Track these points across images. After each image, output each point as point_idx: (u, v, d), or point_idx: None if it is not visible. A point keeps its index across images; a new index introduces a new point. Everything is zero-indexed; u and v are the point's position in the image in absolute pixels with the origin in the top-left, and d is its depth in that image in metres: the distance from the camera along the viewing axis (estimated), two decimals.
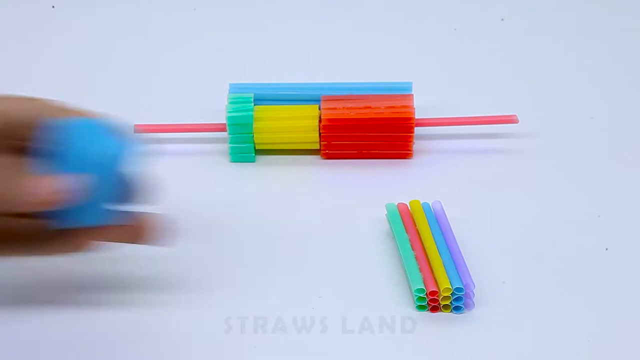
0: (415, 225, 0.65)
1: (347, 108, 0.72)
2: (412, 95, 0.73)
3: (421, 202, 0.67)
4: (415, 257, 0.63)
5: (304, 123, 0.73)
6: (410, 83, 0.74)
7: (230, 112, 0.73)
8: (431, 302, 0.60)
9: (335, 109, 0.73)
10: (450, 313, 0.60)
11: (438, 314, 0.60)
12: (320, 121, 0.73)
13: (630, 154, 0.75)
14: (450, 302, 0.60)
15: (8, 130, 0.55)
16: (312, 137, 0.73)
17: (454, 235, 0.64)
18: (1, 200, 0.53)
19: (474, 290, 0.60)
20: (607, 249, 0.66)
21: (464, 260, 0.62)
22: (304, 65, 0.84)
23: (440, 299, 0.60)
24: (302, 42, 0.87)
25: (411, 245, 0.64)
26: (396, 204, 0.67)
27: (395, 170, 0.73)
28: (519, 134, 0.76)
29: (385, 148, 0.74)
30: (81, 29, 0.89)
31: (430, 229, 0.64)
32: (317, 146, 0.73)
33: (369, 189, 0.71)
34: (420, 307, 0.60)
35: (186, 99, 0.81)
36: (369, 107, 0.72)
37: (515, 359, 0.59)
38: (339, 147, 0.73)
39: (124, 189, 0.56)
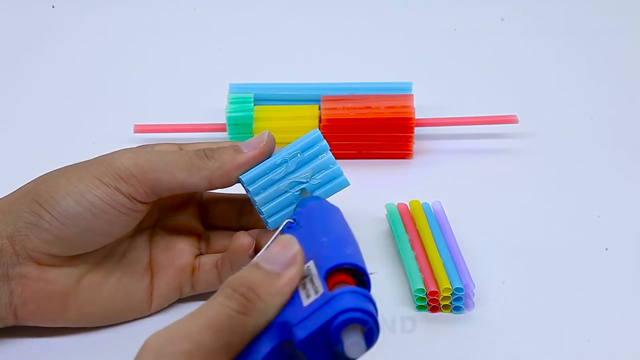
0: (415, 225, 0.65)
1: (347, 108, 0.72)
2: (412, 95, 0.73)
3: (421, 202, 0.67)
4: (415, 257, 0.63)
5: (304, 123, 0.73)
6: (410, 83, 0.74)
7: (230, 112, 0.73)
8: (431, 302, 0.60)
9: (335, 109, 0.73)
10: (450, 313, 0.60)
11: (438, 314, 0.60)
12: (320, 121, 0.73)
13: (630, 154, 0.75)
14: (450, 302, 0.60)
15: None
16: None
17: (454, 235, 0.64)
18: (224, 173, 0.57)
19: (474, 290, 0.60)
20: (607, 249, 0.66)
21: (463, 261, 0.62)
22: (304, 65, 0.84)
23: (440, 299, 0.60)
24: (302, 42, 0.87)
25: (411, 245, 0.64)
26: (396, 204, 0.67)
27: (395, 170, 0.73)
28: (519, 134, 0.76)
29: (385, 148, 0.74)
30: (81, 29, 0.89)
31: (430, 229, 0.64)
32: None
33: (369, 189, 0.71)
34: (420, 307, 0.60)
35: (186, 99, 0.81)
36: (369, 107, 0.72)
37: (515, 359, 0.59)
38: (339, 147, 0.73)
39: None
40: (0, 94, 0.82)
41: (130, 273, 0.59)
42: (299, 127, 0.72)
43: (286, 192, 0.57)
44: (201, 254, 0.62)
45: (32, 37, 0.88)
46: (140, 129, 0.75)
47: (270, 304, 0.46)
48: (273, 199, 0.57)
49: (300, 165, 0.57)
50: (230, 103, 0.73)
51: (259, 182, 0.57)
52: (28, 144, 0.76)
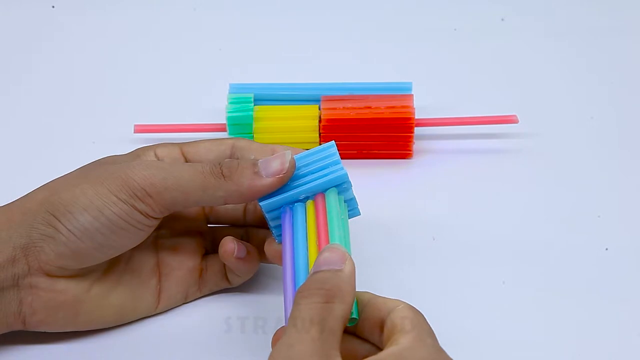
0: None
1: (347, 108, 0.72)
2: (412, 95, 0.73)
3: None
4: None
5: (304, 123, 0.73)
6: (410, 83, 0.74)
7: (230, 112, 0.73)
8: None
9: (335, 109, 0.73)
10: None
11: None
12: (320, 121, 0.73)
13: (630, 154, 0.75)
14: None
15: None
16: (312, 137, 0.73)
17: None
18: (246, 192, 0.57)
19: None
20: (607, 249, 0.66)
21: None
22: (304, 65, 0.84)
23: None
24: (302, 42, 0.87)
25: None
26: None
27: (395, 170, 0.73)
28: (519, 134, 0.76)
29: (385, 148, 0.74)
30: (81, 29, 0.89)
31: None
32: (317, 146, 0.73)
33: (369, 189, 0.71)
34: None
35: (186, 99, 0.81)
36: (369, 107, 0.72)
37: (514, 359, 0.59)
38: (339, 147, 0.72)
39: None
40: (0, 93, 0.82)
41: (137, 277, 0.59)
42: (299, 127, 0.73)
43: None
44: (207, 252, 0.62)
45: (32, 37, 0.88)
46: (140, 129, 0.75)
47: (346, 291, 0.50)
48: None
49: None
50: (230, 103, 0.73)
51: (277, 210, 0.58)
52: (28, 144, 0.76)
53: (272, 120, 0.73)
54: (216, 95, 0.77)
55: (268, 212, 0.58)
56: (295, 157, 0.58)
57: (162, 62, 0.85)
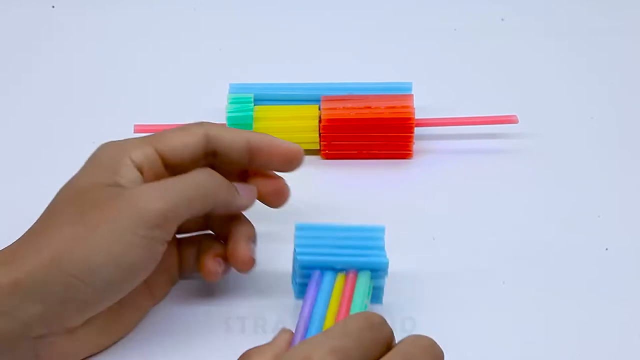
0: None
1: (347, 108, 0.72)
2: (412, 95, 0.73)
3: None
4: None
5: (304, 123, 0.73)
6: (410, 83, 0.74)
7: (230, 112, 0.73)
8: None
9: (335, 109, 0.73)
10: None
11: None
12: (320, 121, 0.73)
13: (630, 154, 0.75)
14: None
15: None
16: (312, 137, 0.73)
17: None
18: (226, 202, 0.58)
19: None
20: (607, 249, 0.66)
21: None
22: (304, 65, 0.84)
23: None
24: (302, 42, 0.87)
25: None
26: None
27: (395, 170, 0.73)
28: (519, 134, 0.76)
29: (385, 148, 0.74)
30: (81, 29, 0.89)
31: None
32: (317, 146, 0.73)
33: (369, 189, 0.71)
34: None
35: (186, 99, 0.81)
36: (369, 107, 0.72)
37: (514, 359, 0.59)
38: (339, 147, 0.73)
39: None
40: (0, 93, 0.82)
41: (134, 300, 0.59)
42: (299, 127, 0.73)
43: None
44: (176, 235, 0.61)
45: (32, 37, 0.88)
46: (140, 129, 0.75)
47: None
48: None
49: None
50: (230, 103, 0.73)
51: (309, 269, 0.58)
52: (28, 144, 0.76)
53: (272, 120, 0.73)
54: (216, 95, 0.77)
55: (303, 267, 0.58)
56: (346, 228, 0.59)
57: (162, 62, 0.85)
